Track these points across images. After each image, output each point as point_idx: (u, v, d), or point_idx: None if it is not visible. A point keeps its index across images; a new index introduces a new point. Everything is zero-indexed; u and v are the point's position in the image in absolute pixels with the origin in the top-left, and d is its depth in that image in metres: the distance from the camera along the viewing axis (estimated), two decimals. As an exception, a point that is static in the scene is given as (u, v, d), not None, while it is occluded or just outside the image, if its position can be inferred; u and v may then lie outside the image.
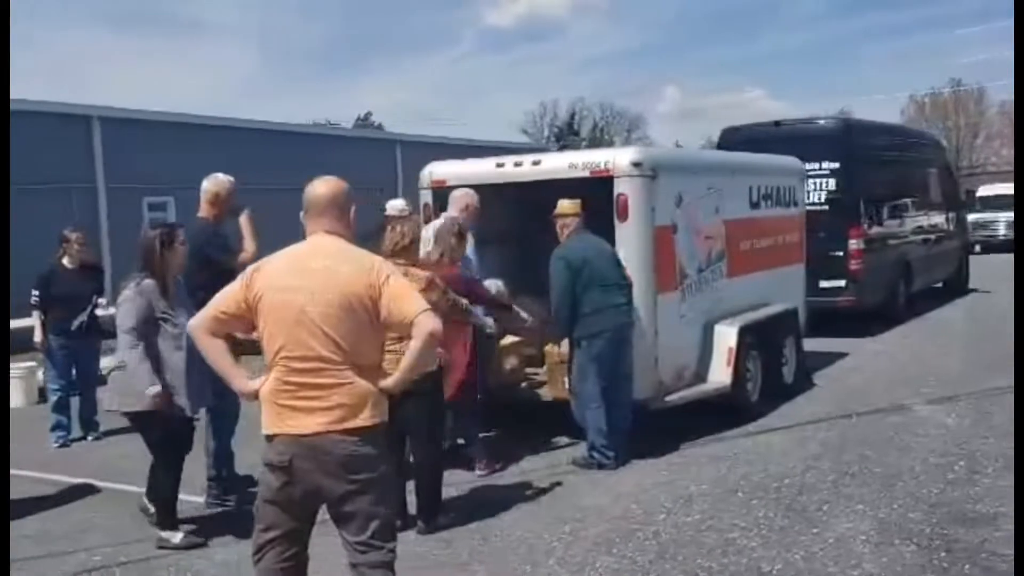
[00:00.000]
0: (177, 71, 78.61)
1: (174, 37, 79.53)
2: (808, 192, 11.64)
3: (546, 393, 7.39)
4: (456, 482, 6.24)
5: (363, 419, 3.37)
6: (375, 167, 19.71)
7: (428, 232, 6.79)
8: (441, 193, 7.80)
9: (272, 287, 3.37)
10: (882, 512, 5.40)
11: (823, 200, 11.85)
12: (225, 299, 3.46)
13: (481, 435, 6.66)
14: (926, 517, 5.28)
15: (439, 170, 7.85)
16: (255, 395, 3.43)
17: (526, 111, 67.32)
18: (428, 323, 3.31)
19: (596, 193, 6.95)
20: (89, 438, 8.05)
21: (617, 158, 6.93)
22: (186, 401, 5.15)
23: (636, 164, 6.86)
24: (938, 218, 14.70)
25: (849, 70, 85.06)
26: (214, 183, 6.31)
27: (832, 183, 11.84)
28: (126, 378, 5.16)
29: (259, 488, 3.49)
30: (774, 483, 6.03)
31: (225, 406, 5.83)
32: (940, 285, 15.33)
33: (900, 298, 13.08)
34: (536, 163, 7.35)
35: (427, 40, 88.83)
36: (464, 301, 5.67)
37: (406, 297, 3.36)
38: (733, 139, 12.52)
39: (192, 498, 5.88)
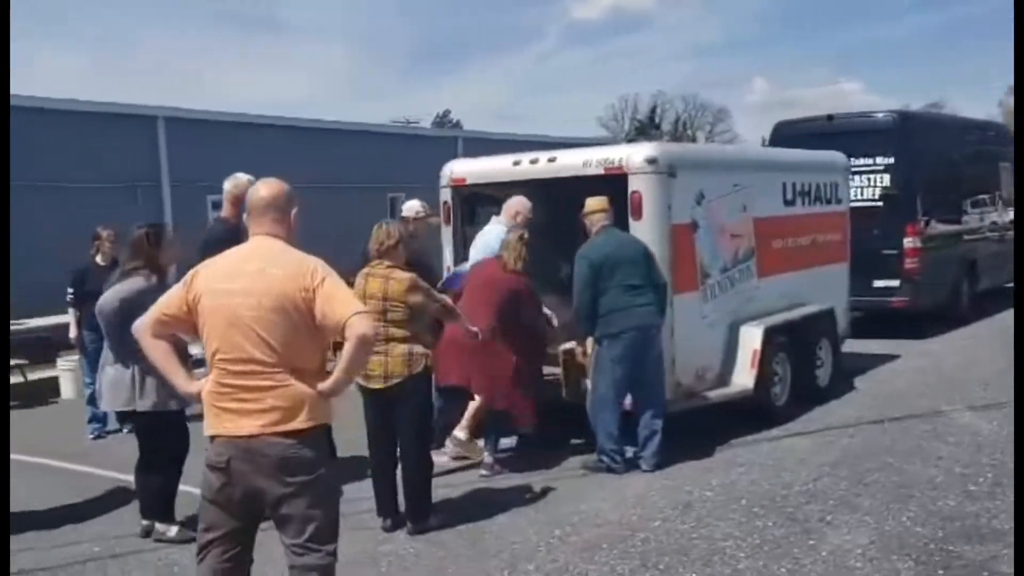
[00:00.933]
0: (271, 72, 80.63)
1: (268, 37, 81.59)
2: (861, 188, 11.33)
3: (563, 394, 7.30)
4: (458, 483, 6.24)
5: (299, 422, 3.36)
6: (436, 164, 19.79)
7: (479, 239, 6.88)
8: (461, 191, 7.81)
9: (209, 290, 3.39)
10: (888, 524, 5.17)
11: (877, 196, 11.46)
12: (168, 301, 3.49)
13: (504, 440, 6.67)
14: (933, 532, 5.04)
15: (459, 168, 7.83)
16: (198, 396, 3.46)
17: (607, 105, 66.67)
18: (359, 326, 3.28)
19: (611, 191, 6.82)
20: (124, 431, 8.25)
21: (631, 155, 6.79)
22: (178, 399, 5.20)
23: (651, 161, 6.72)
24: (1010, 215, 14.04)
25: (945, 61, 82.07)
26: (235, 184, 6.30)
27: (887, 179, 11.43)
28: (128, 380, 5.23)
29: (201, 488, 3.52)
30: (783, 490, 5.84)
31: None
32: (1012, 285, 14.63)
33: (964, 298, 12.55)
34: (552, 160, 7.25)
35: (514, 37, 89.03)
36: (449, 301, 5.62)
37: (339, 300, 3.33)
38: (785, 134, 12.19)
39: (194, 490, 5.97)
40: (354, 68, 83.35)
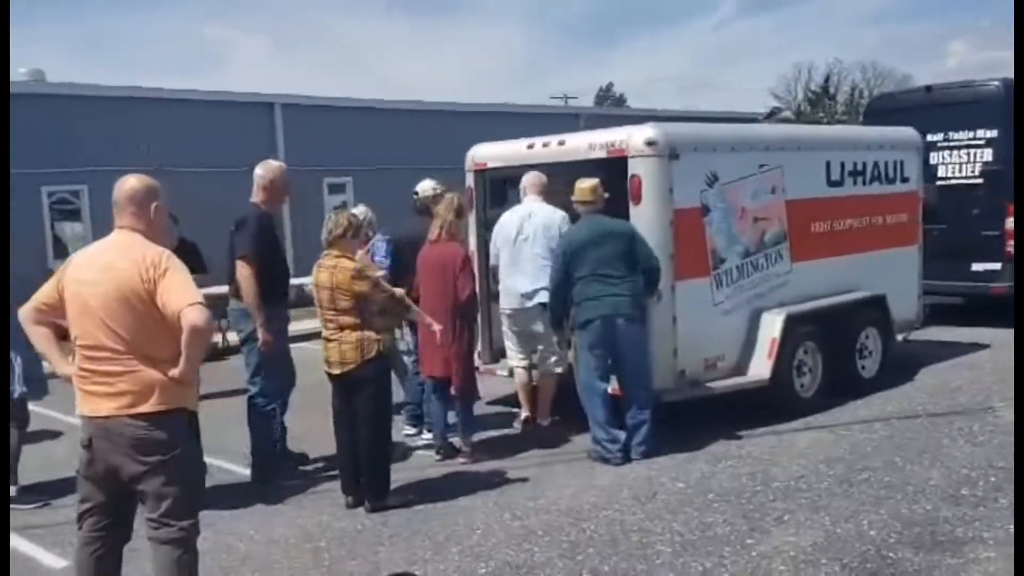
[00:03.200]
0: (439, 56, 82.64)
1: (438, 20, 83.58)
2: (959, 164, 10.61)
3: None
4: (438, 467, 6.39)
5: (150, 405, 3.59)
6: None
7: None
8: (483, 175, 7.88)
9: (71, 279, 3.67)
10: (842, 527, 4.90)
11: (977, 173, 10.64)
12: (44, 290, 3.79)
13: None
14: (884, 536, 4.75)
15: (480, 152, 7.89)
16: (70, 379, 3.74)
17: (780, 75, 64.06)
18: (190, 317, 3.46)
19: (617, 174, 6.73)
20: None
21: (632, 137, 6.66)
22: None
23: (650, 143, 6.57)
24: None
25: None
26: (267, 169, 6.42)
27: (989, 153, 10.58)
28: None
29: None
30: (759, 486, 5.63)
31: (267, 385, 6.18)
32: None
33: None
34: (561, 144, 7.20)
35: (688, 6, 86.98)
36: (400, 292, 5.70)
37: (176, 291, 3.52)
38: (881, 108, 11.53)
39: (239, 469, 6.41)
40: (522, 47, 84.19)
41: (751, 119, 25.62)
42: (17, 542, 5.24)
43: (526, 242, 6.92)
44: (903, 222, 8.63)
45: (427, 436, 6.94)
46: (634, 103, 58.97)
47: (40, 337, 3.80)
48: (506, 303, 7.08)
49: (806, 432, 6.78)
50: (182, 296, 3.51)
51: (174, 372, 3.59)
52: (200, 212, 10.59)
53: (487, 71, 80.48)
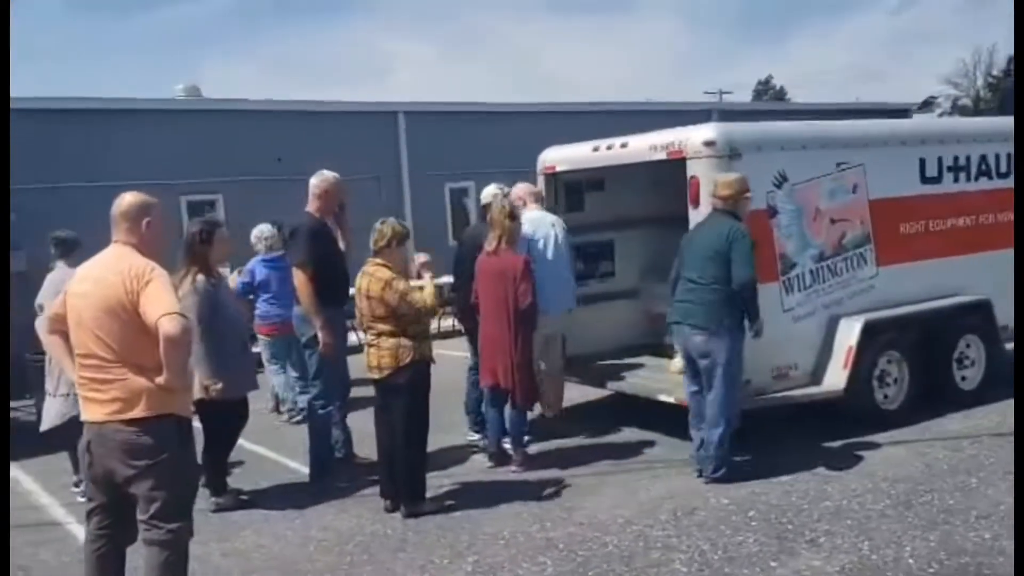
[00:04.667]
0: (602, 54, 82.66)
1: (600, 19, 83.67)
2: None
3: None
4: (488, 474, 6.40)
5: (139, 411, 3.76)
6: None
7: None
8: (554, 178, 7.81)
9: (71, 292, 3.89)
10: (879, 553, 4.58)
11: None
12: (56, 302, 4.04)
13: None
14: (924, 565, 4.40)
15: (550, 155, 7.83)
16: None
17: (956, 59, 60.07)
18: (164, 326, 3.59)
19: (678, 176, 6.53)
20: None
21: (691, 137, 6.43)
22: (228, 386, 5.80)
23: (708, 143, 6.32)
24: None
25: None
26: (321, 179, 6.71)
27: None
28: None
29: None
30: (807, 505, 5.33)
31: (325, 389, 6.34)
32: None
33: None
34: (624, 146, 7.03)
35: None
36: (422, 297, 5.60)
37: (154, 302, 3.66)
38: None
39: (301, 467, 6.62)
40: (684, 42, 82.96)
41: (902, 110, 24.24)
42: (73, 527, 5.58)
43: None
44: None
45: (472, 436, 7.05)
46: (797, 96, 57.02)
47: (53, 345, 4.05)
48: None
49: (883, 448, 6.35)
50: (159, 306, 3.65)
51: (160, 380, 3.75)
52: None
53: (648, 68, 79.72)
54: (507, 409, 6.44)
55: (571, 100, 19.86)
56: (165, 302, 3.68)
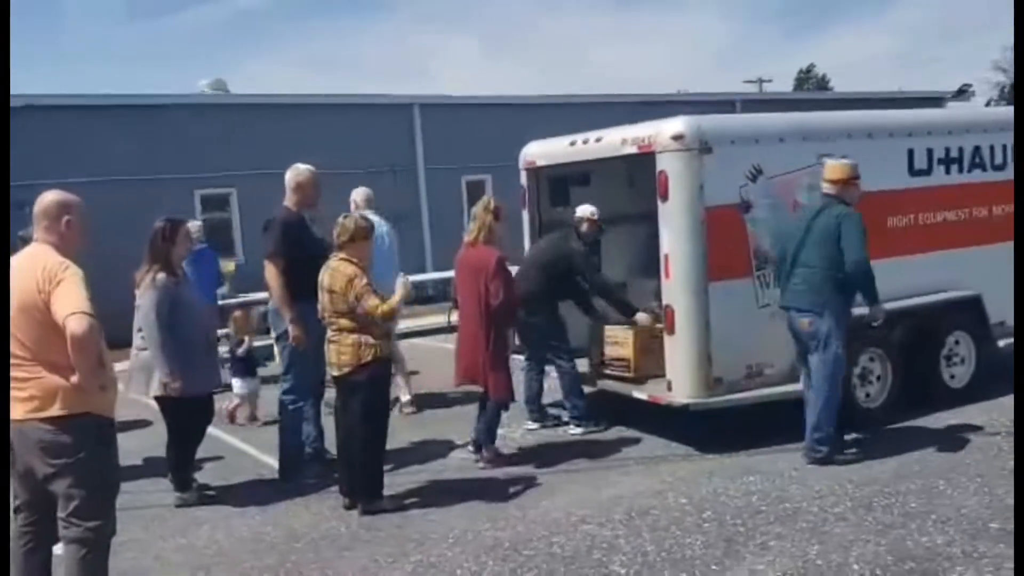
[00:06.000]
0: (638, 47, 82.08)
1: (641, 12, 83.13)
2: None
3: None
4: (455, 470, 6.36)
5: (55, 410, 3.76)
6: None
7: None
8: (535, 173, 7.73)
9: None
10: (826, 558, 4.46)
11: None
12: None
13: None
14: (869, 571, 4.28)
15: (531, 150, 7.76)
16: None
17: (1005, 45, 58.49)
18: (70, 326, 3.58)
19: (649, 170, 6.42)
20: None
21: (660, 132, 6.32)
22: (189, 384, 5.83)
23: (677, 137, 6.20)
24: None
25: None
26: (296, 173, 6.62)
27: None
28: (151, 366, 5.93)
29: None
30: (765, 506, 5.22)
31: (297, 384, 6.35)
32: None
33: None
34: (598, 140, 6.94)
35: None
36: (377, 305, 5.40)
37: (62, 300, 3.65)
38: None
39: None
40: (730, 33, 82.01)
41: (936, 98, 23.69)
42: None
43: None
44: (1012, 213, 7.68)
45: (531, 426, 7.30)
46: (839, 85, 56.01)
47: None
48: None
49: (858, 448, 6.19)
50: (66, 305, 3.63)
51: (73, 379, 3.75)
52: (340, 213, 11.00)
53: (695, 59, 79.01)
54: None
55: (591, 92, 19.63)
56: (73, 301, 3.66)
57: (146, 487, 6.35)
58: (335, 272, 5.50)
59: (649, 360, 6.91)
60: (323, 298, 5.61)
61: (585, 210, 7.28)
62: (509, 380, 6.39)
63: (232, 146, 15.49)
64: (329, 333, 5.66)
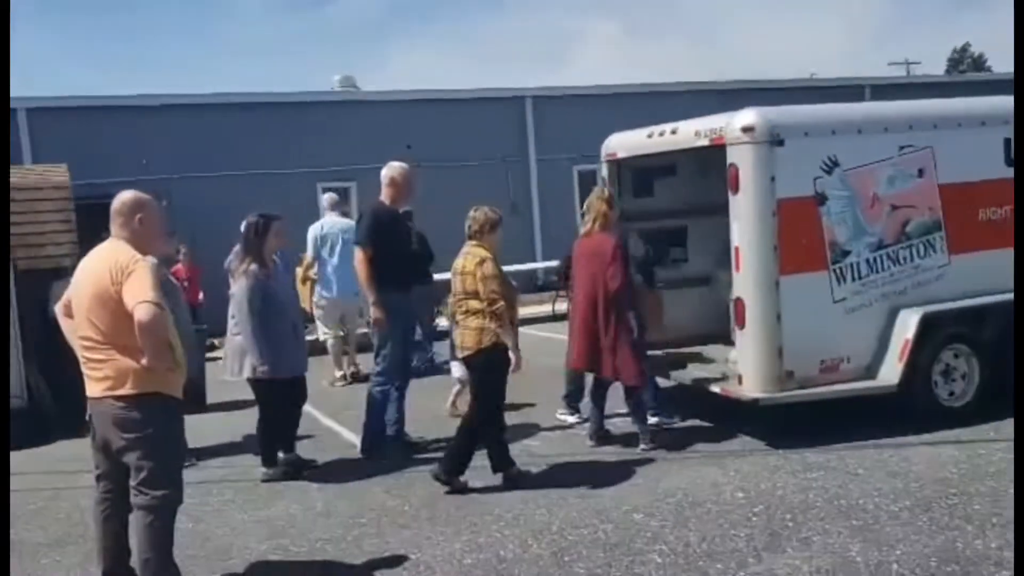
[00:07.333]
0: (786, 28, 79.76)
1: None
2: None
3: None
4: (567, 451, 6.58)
5: (127, 388, 4.16)
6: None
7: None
8: (616, 164, 7.80)
9: (73, 281, 4.34)
10: (867, 555, 4.41)
11: None
12: (67, 290, 4.49)
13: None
14: (907, 571, 4.21)
15: (612, 142, 7.84)
16: None
17: None
18: (137, 314, 3.95)
19: (724, 162, 6.41)
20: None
21: (730, 123, 6.29)
22: (276, 367, 6.23)
23: (747, 129, 6.17)
24: None
25: None
26: (388, 169, 7.00)
27: None
28: (244, 350, 6.35)
29: None
30: (820, 502, 5.18)
31: (386, 368, 6.70)
32: None
33: None
34: (674, 132, 6.94)
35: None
36: (497, 297, 5.67)
37: (132, 291, 4.02)
38: None
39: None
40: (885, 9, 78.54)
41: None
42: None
43: None
44: None
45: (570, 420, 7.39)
46: (998, 66, 52.91)
47: (66, 328, 4.52)
48: None
49: (934, 446, 6.04)
50: (134, 295, 4.01)
51: (143, 361, 4.13)
52: (455, 204, 11.25)
53: (851, 39, 76.29)
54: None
55: (714, 79, 19.33)
56: (139, 291, 4.02)
57: (241, 462, 6.83)
58: (469, 255, 5.81)
59: None
60: (455, 282, 5.90)
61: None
62: (639, 363, 6.41)
63: (352, 141, 16.03)
64: (457, 316, 5.96)
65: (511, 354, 5.76)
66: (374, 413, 6.80)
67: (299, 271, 9.37)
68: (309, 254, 9.68)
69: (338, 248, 9.49)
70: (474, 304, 5.75)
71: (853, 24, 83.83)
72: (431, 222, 13.60)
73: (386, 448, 6.75)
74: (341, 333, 9.86)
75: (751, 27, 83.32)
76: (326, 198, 10.13)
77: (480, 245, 5.85)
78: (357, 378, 9.72)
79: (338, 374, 9.87)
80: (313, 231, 9.69)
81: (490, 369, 5.81)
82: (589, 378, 6.89)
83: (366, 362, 9.96)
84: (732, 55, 73.73)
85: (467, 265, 5.79)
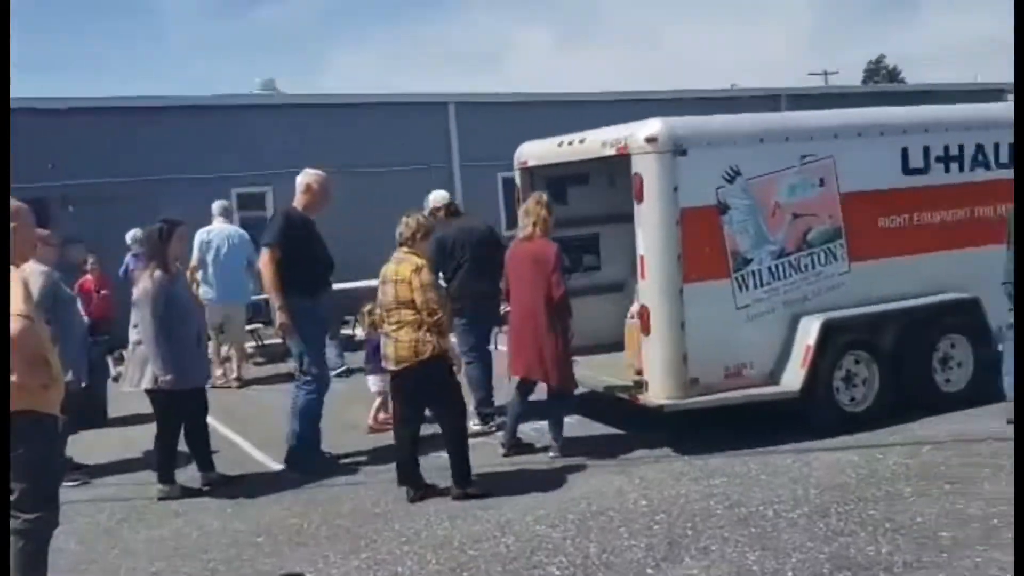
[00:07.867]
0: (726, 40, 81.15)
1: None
2: None
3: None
4: (528, 463, 6.47)
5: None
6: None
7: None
8: (528, 173, 7.79)
9: None
10: (763, 564, 4.42)
11: None
12: None
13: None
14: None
15: (524, 150, 7.85)
16: None
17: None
18: (11, 327, 3.77)
19: (629, 172, 6.42)
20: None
21: (634, 134, 6.31)
22: (180, 378, 6.04)
23: (650, 140, 6.19)
24: None
25: None
26: (306, 175, 6.88)
27: None
28: (147, 359, 6.13)
29: None
30: (720, 510, 5.19)
31: (313, 376, 6.56)
32: None
33: None
34: (581, 141, 6.95)
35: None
36: (437, 306, 5.62)
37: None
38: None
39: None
40: (808, 21, 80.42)
41: (997, 90, 22.96)
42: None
43: None
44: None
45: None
46: (912, 77, 54.55)
47: None
48: None
49: (835, 452, 6.12)
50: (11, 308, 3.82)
51: (13, 377, 3.93)
52: (379, 209, 11.00)
53: (766, 54, 77.94)
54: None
55: (630, 89, 19.48)
56: (11, 304, 3.84)
57: (137, 479, 6.59)
58: (404, 262, 5.66)
59: None
60: (385, 290, 5.74)
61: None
62: (572, 371, 6.45)
63: (267, 146, 15.74)
64: (387, 327, 5.78)
65: (451, 356, 5.80)
66: (306, 422, 6.60)
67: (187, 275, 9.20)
68: (195, 259, 9.68)
69: (223, 253, 9.83)
70: (408, 315, 5.60)
71: (787, 34, 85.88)
72: (353, 228, 13.46)
73: (312, 461, 6.56)
74: (221, 336, 10.03)
75: (687, 37, 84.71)
76: (215, 205, 10.26)
77: (413, 252, 5.73)
78: (241, 384, 9.99)
79: (218, 372, 9.87)
80: (199, 236, 9.80)
81: (432, 379, 5.69)
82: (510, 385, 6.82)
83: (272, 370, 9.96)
84: (664, 65, 74.90)
85: (402, 272, 5.63)
